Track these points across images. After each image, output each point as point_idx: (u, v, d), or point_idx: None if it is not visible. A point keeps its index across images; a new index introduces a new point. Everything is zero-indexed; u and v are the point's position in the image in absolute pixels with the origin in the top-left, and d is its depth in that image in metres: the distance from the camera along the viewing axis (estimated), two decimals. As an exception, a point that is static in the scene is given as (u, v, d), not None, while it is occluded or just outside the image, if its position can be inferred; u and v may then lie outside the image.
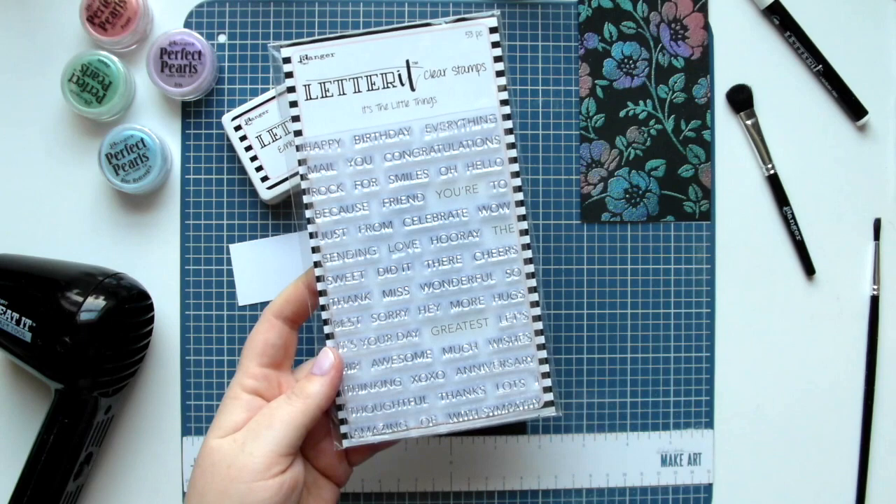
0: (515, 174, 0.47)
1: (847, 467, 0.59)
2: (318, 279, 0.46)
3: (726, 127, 0.59)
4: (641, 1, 0.59)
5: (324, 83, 0.46)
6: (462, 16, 0.47)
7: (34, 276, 0.53)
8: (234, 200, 0.58)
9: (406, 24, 0.47)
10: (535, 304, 0.47)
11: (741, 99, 0.59)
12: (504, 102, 0.47)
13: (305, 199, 0.46)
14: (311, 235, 0.46)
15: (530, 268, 0.47)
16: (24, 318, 0.51)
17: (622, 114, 0.59)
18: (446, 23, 0.46)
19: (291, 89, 0.46)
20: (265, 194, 0.55)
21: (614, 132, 0.58)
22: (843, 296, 0.59)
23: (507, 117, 0.47)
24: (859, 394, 0.59)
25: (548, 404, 0.47)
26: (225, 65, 0.58)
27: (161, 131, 0.57)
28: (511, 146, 0.47)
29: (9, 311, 0.52)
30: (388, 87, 0.46)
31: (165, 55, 0.55)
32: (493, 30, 0.47)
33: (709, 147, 0.59)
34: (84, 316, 0.50)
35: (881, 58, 0.60)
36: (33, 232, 0.57)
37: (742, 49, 0.59)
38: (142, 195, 0.57)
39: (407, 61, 0.46)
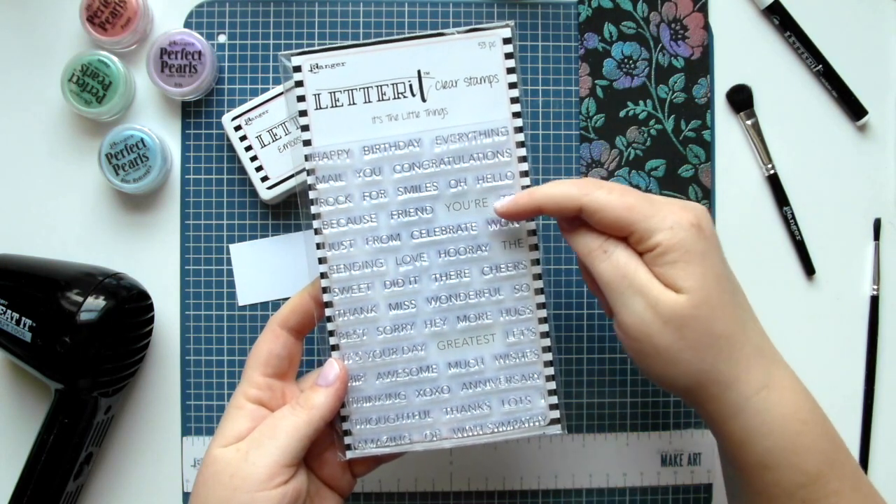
0: (526, 188, 0.46)
1: (847, 467, 0.59)
2: (325, 290, 0.46)
3: (726, 127, 0.59)
4: (641, 1, 0.59)
5: (334, 93, 0.46)
6: (475, 26, 0.46)
7: (34, 276, 0.53)
8: (234, 200, 0.58)
9: (418, 33, 0.46)
10: (543, 321, 0.46)
11: (741, 99, 0.59)
12: (516, 115, 0.46)
13: (313, 209, 0.46)
14: (318, 246, 0.46)
15: (539, 283, 0.46)
16: (24, 318, 0.51)
17: (622, 114, 0.59)
18: (459, 33, 0.46)
19: (301, 98, 0.46)
20: (265, 194, 0.55)
21: (614, 132, 0.59)
22: (843, 296, 0.59)
23: (518, 130, 0.46)
24: (859, 394, 0.59)
25: (553, 422, 0.46)
26: (225, 65, 0.58)
27: (161, 131, 0.57)
28: (522, 160, 0.46)
29: (9, 311, 0.52)
30: (398, 98, 0.46)
31: (165, 55, 0.55)
32: (506, 41, 0.46)
33: (709, 147, 0.59)
34: (84, 316, 0.50)
35: (881, 58, 0.60)
36: (33, 232, 0.57)
37: (742, 49, 0.59)
38: (142, 195, 0.57)
39: (418, 71, 0.46)
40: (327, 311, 0.46)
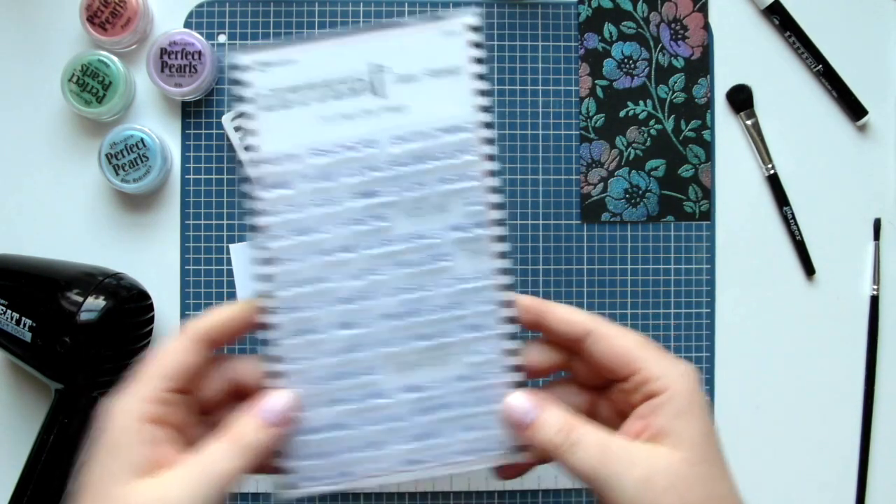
0: (494, 190, 0.41)
1: (847, 467, 0.59)
2: (267, 310, 0.40)
3: (726, 127, 0.59)
4: (641, 1, 0.59)
5: (284, 92, 0.41)
6: (437, 14, 0.41)
7: (34, 276, 0.53)
8: (234, 200, 0.58)
9: (374, 23, 0.42)
10: (510, 337, 0.41)
11: (741, 99, 0.59)
12: (483, 109, 0.41)
13: (256, 221, 0.41)
14: (262, 262, 0.41)
15: (507, 296, 0.41)
16: (24, 318, 0.51)
17: (622, 114, 0.59)
18: (420, 22, 0.41)
19: (247, 100, 0.41)
20: (265, 194, 0.55)
21: (614, 132, 0.59)
22: (843, 296, 0.59)
23: (485, 125, 0.41)
24: (859, 394, 0.59)
25: (521, 448, 0.41)
26: (225, 65, 0.58)
27: (161, 131, 0.57)
28: (489, 158, 0.41)
29: (9, 311, 0.52)
30: (354, 95, 0.41)
31: (165, 55, 0.55)
32: (472, 28, 0.41)
33: (709, 147, 0.59)
34: (84, 316, 0.50)
35: (881, 58, 0.60)
36: (33, 232, 0.57)
37: (742, 49, 0.59)
38: (142, 195, 0.57)
39: (375, 65, 0.41)
40: (269, 335, 0.40)
